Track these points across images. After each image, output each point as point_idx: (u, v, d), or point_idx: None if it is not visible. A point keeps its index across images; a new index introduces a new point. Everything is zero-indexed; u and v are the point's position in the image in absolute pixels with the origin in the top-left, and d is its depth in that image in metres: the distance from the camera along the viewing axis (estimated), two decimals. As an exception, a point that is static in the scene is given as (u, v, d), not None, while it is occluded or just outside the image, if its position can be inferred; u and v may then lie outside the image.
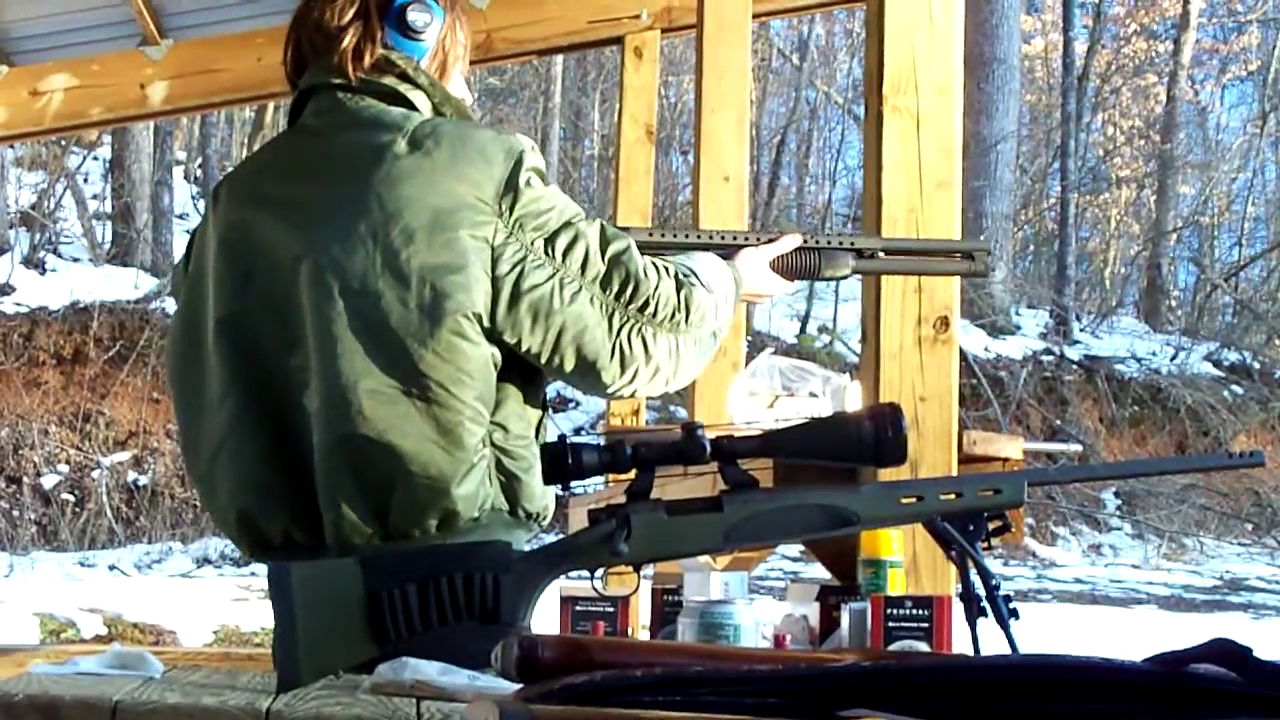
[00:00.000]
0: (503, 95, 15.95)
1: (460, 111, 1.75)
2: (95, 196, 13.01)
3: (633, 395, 1.71)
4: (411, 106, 1.71)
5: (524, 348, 1.62)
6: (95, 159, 13.26)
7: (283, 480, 1.62)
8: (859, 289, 2.40)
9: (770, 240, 1.88)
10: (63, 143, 12.18)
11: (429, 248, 1.57)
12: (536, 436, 1.68)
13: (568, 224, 1.63)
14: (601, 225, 1.66)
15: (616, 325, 1.62)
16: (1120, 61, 18.69)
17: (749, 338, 7.98)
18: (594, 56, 14.38)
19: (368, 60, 1.70)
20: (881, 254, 1.94)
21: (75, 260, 11.90)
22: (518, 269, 1.59)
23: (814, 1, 6.02)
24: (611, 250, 1.64)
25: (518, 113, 15.83)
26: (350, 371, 1.56)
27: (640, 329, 1.63)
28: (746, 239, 1.88)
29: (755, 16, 4.03)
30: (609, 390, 1.67)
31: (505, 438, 1.63)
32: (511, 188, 1.60)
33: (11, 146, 10.91)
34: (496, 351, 1.61)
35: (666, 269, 1.68)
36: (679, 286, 1.67)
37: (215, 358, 1.66)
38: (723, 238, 1.87)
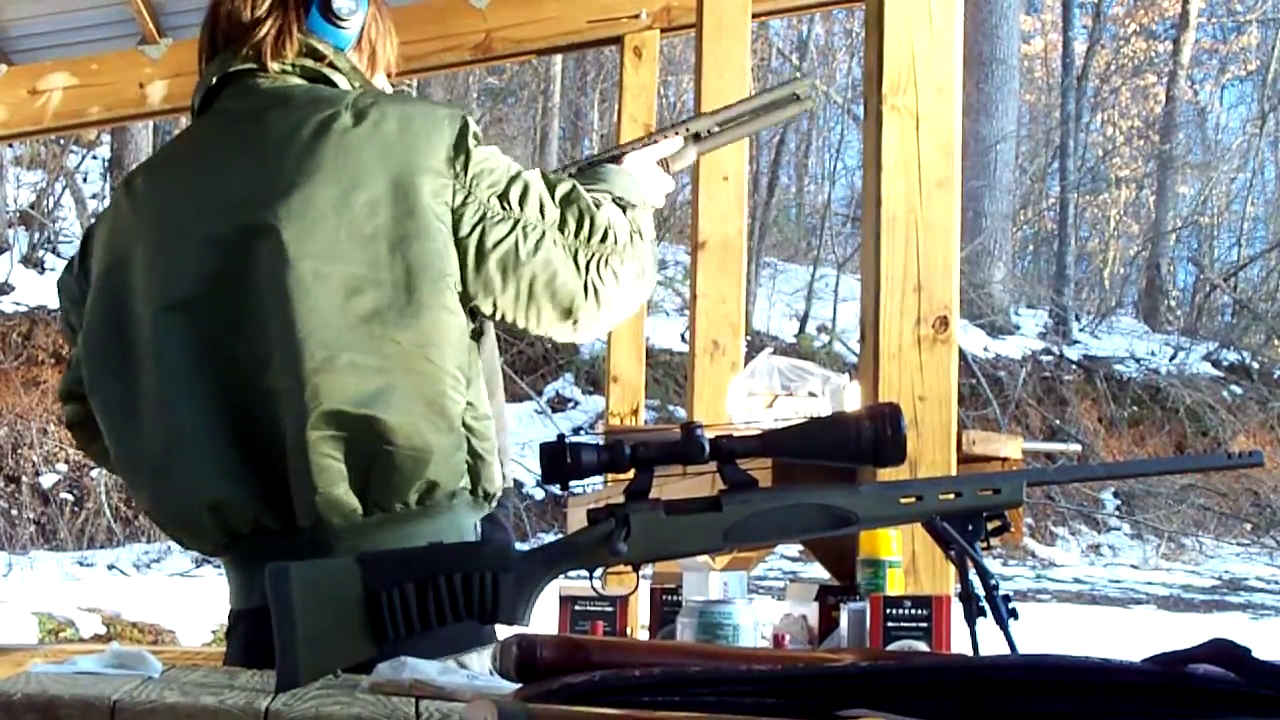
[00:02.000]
0: (502, 95, 15.95)
1: (369, 85, 1.74)
2: (94, 196, 13.00)
3: (606, 329, 1.74)
4: (335, 87, 1.69)
5: (498, 311, 1.61)
6: (94, 158, 13.25)
7: (249, 466, 1.57)
8: (858, 289, 2.40)
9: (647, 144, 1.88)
10: (61, 142, 12.18)
11: (394, 218, 1.55)
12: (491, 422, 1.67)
13: (516, 176, 1.63)
14: (541, 171, 1.67)
15: (584, 262, 1.63)
16: (1120, 61, 18.70)
17: (748, 337, 7.98)
18: (593, 56, 14.38)
19: (289, 50, 1.68)
20: (715, 128, 1.93)
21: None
22: (479, 228, 1.58)
23: (813, 1, 6.02)
24: (560, 191, 1.64)
25: (516, 112, 15.84)
26: (324, 346, 1.53)
27: (606, 260, 1.64)
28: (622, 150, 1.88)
29: (754, 16, 4.03)
30: (587, 331, 1.67)
31: (474, 416, 1.61)
32: (462, 149, 1.60)
33: (10, 145, 10.91)
34: (468, 321, 1.61)
35: (605, 197, 1.69)
36: (623, 209, 1.69)
37: (157, 349, 1.60)
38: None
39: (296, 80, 1.69)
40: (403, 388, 1.54)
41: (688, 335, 4.48)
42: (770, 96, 1.97)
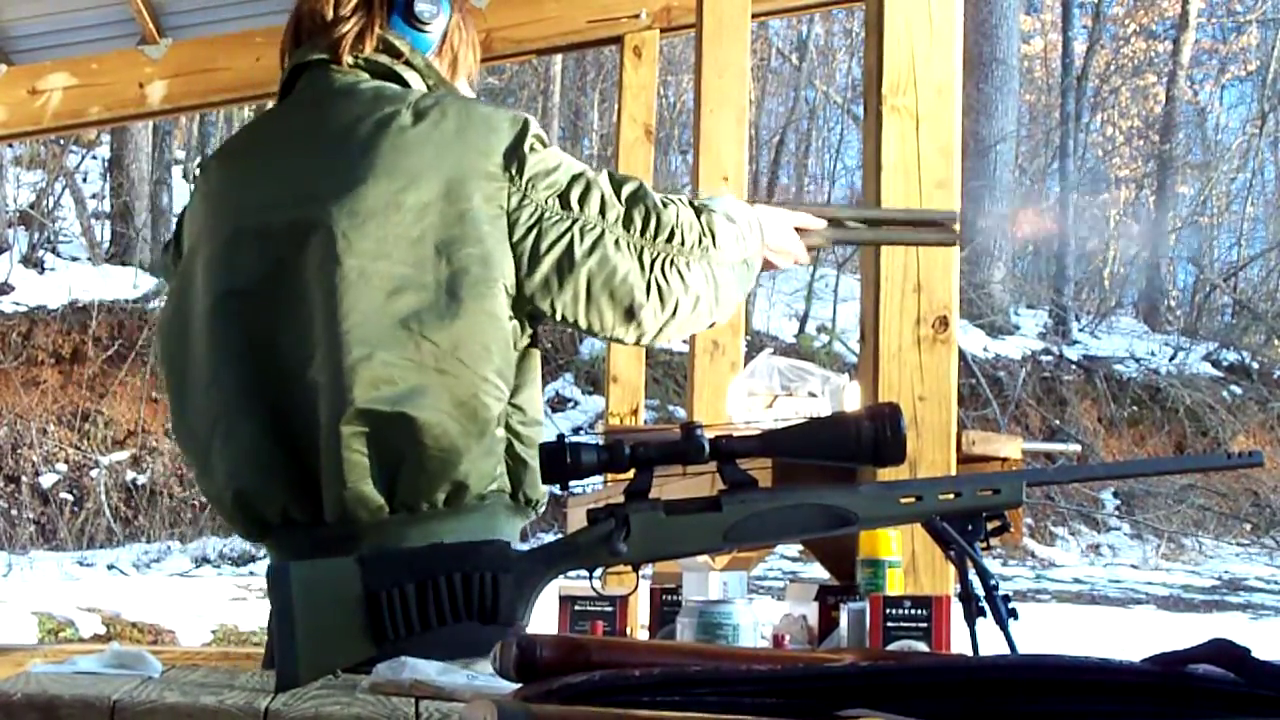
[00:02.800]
0: (502, 95, 15.95)
1: (450, 88, 1.75)
2: (94, 196, 13.00)
3: (675, 334, 1.68)
4: (405, 85, 1.70)
5: (559, 313, 1.61)
6: (94, 158, 13.25)
7: (282, 457, 1.59)
8: (858, 289, 2.40)
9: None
10: (61, 142, 12.18)
11: (443, 220, 1.55)
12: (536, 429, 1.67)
13: (578, 176, 1.62)
14: (609, 171, 1.66)
15: (648, 261, 1.61)
16: (1119, 62, 18.70)
17: (748, 337, 7.99)
18: (593, 56, 14.38)
19: (367, 46, 1.70)
20: (852, 223, 1.93)
21: (74, 259, 11.90)
22: (534, 230, 1.58)
23: (813, 1, 6.03)
24: (626, 190, 1.63)
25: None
26: (362, 343, 1.53)
27: (673, 259, 1.62)
28: None
29: (754, 16, 4.03)
30: (654, 333, 1.65)
31: (522, 421, 1.62)
32: (517, 153, 1.60)
33: (10, 145, 10.91)
34: (518, 327, 1.60)
35: (680, 198, 1.67)
36: (698, 212, 1.67)
37: (208, 336, 1.63)
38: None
39: (366, 76, 1.70)
40: (435, 388, 1.54)
41: (687, 335, 4.48)
42: (917, 215, 1.96)
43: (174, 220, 12.53)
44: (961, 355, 11.74)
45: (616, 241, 1.61)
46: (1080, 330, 14.84)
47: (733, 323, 3.76)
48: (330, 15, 1.72)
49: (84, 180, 13.00)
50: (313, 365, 1.56)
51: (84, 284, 11.09)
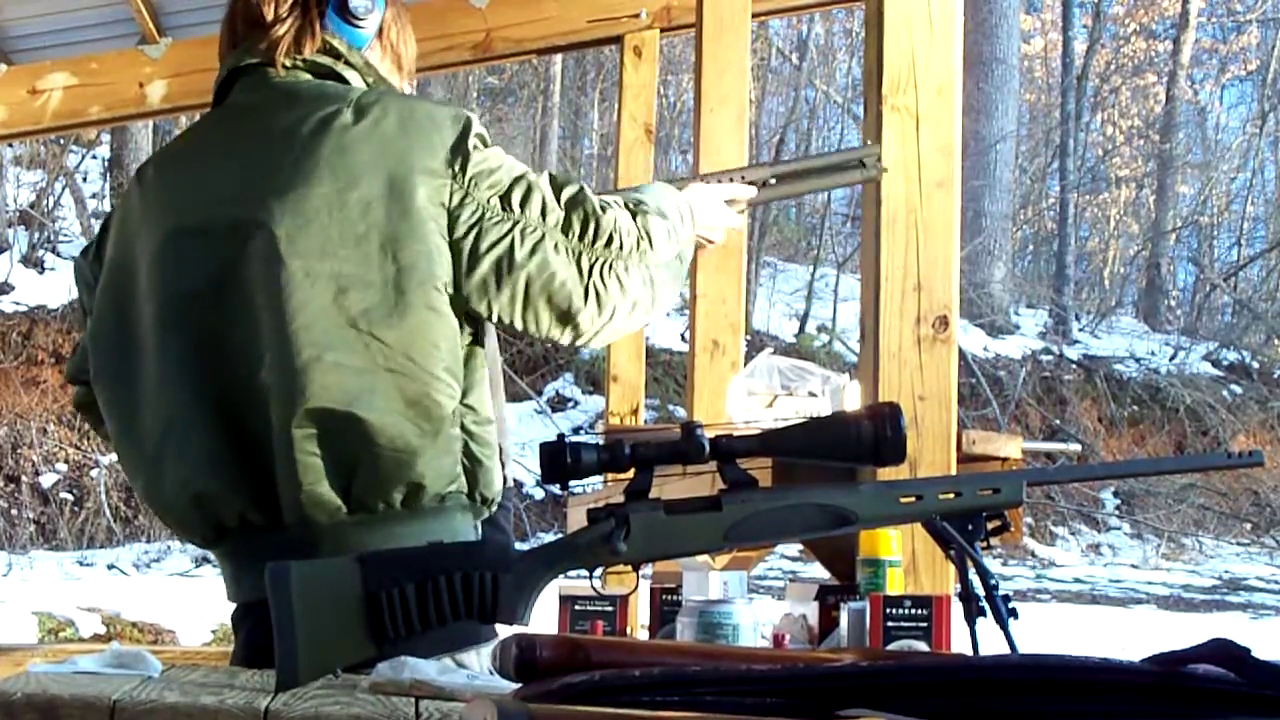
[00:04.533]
0: (501, 95, 15.95)
1: (385, 84, 1.74)
2: (94, 195, 13.00)
3: (612, 336, 1.68)
4: (346, 84, 1.69)
5: (495, 313, 1.60)
6: (94, 158, 13.25)
7: (238, 461, 1.57)
8: (858, 289, 2.40)
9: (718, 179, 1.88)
10: (61, 141, 12.18)
11: (388, 218, 1.55)
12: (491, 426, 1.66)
13: (520, 178, 1.61)
14: (550, 174, 1.65)
15: (586, 266, 1.61)
16: (1119, 61, 18.70)
17: (748, 337, 7.98)
18: (593, 56, 14.38)
19: (307, 47, 1.69)
20: (773, 180, 1.92)
21: (74, 259, 11.89)
22: (475, 229, 1.57)
23: (813, 1, 6.02)
24: (566, 194, 1.62)
25: (516, 112, 15.84)
26: (310, 345, 1.52)
27: (611, 264, 1.62)
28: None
29: (754, 15, 4.03)
30: (589, 336, 1.64)
31: (475, 421, 1.61)
32: (461, 151, 1.59)
33: (10, 145, 10.91)
34: (461, 325, 1.60)
35: (616, 201, 1.66)
36: (634, 214, 1.66)
37: (157, 341, 1.61)
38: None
39: (306, 76, 1.69)
40: (386, 388, 1.54)
41: (688, 335, 4.48)
42: (835, 159, 1.96)
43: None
44: (961, 355, 11.75)
45: (556, 246, 1.60)
46: (1080, 330, 14.84)
47: (733, 322, 3.76)
48: (269, 16, 1.71)
49: (84, 180, 13.00)
50: (263, 367, 1.56)
51: (84, 284, 11.08)
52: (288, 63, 1.68)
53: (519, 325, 1.62)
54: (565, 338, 1.65)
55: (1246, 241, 17.94)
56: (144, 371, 1.62)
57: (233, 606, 1.70)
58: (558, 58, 13.34)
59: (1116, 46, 18.62)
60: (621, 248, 1.63)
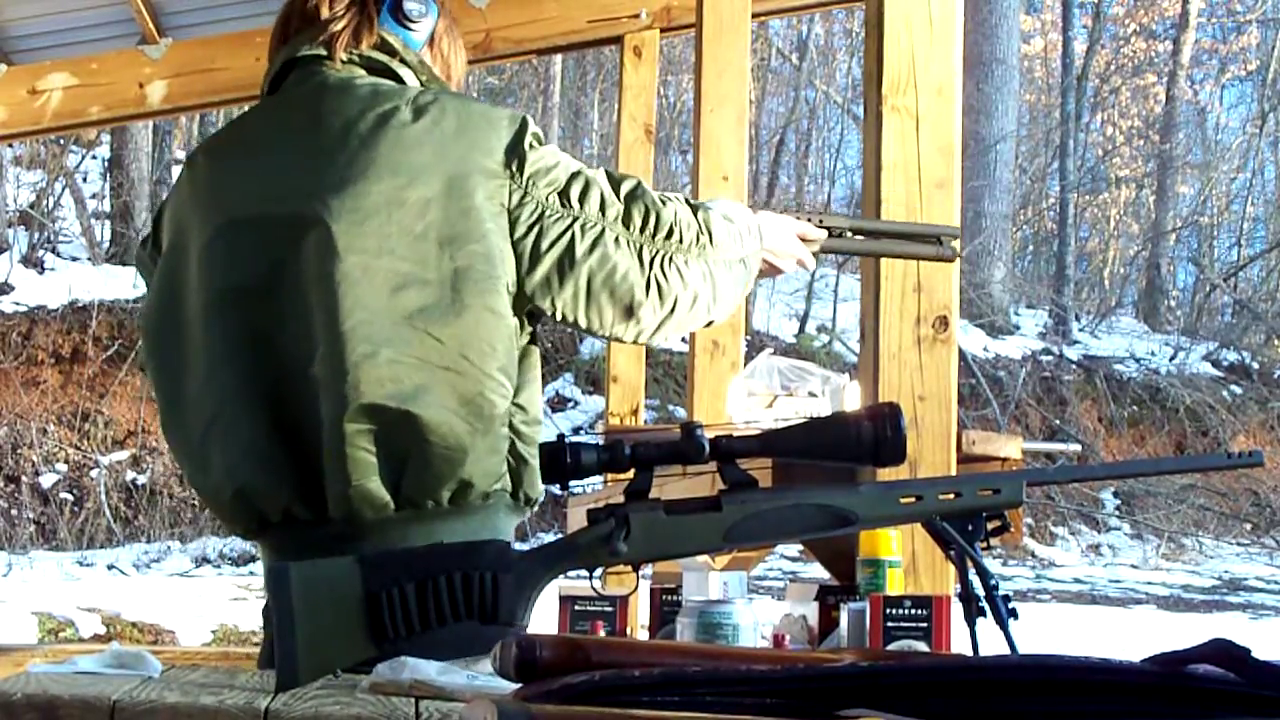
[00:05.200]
0: (501, 95, 15.95)
1: (441, 84, 1.75)
2: (94, 195, 13.00)
3: (673, 331, 1.69)
4: (400, 82, 1.70)
5: (559, 310, 1.61)
6: (94, 158, 13.24)
7: (284, 454, 1.57)
8: (858, 289, 2.40)
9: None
10: (61, 141, 12.17)
11: (446, 217, 1.55)
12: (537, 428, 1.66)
13: (576, 174, 1.62)
14: (606, 170, 1.66)
15: (648, 258, 1.62)
16: (1119, 61, 18.70)
17: (748, 337, 7.99)
18: (593, 56, 14.38)
19: (365, 42, 1.70)
20: (849, 233, 1.93)
21: (74, 259, 11.90)
22: (536, 228, 1.58)
23: (813, 1, 6.02)
24: (625, 187, 1.64)
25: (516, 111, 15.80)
26: (366, 340, 1.52)
27: (671, 256, 1.63)
28: None
29: (754, 16, 4.03)
30: (652, 330, 1.65)
31: (524, 421, 1.62)
32: (517, 151, 1.60)
33: (10, 145, 10.90)
34: (517, 325, 1.60)
35: (677, 196, 1.68)
36: (695, 210, 1.67)
37: (205, 332, 1.61)
38: None
39: (361, 72, 1.70)
40: (441, 385, 1.53)
41: (688, 335, 4.48)
42: (915, 229, 1.96)
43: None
44: (961, 355, 11.74)
45: (616, 239, 1.61)
46: (1080, 330, 14.84)
47: (733, 323, 3.76)
48: (325, 12, 1.71)
49: (84, 180, 12.99)
50: (314, 362, 1.55)
51: (84, 284, 11.09)
52: (344, 56, 1.69)
53: (583, 322, 1.62)
54: (629, 333, 1.65)
55: (1246, 242, 17.94)
56: (192, 361, 1.63)
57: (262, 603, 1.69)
58: (558, 58, 13.34)
59: (1116, 47, 18.61)
60: (681, 240, 1.64)
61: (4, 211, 11.84)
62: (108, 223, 12.42)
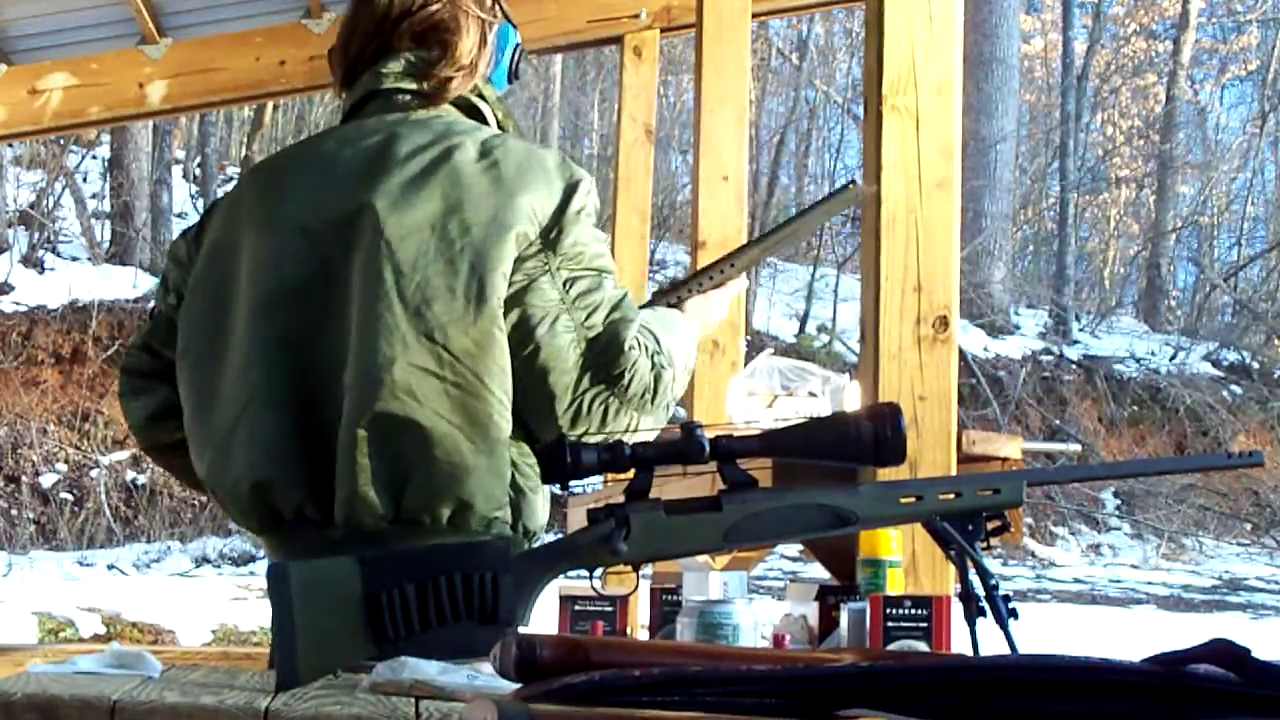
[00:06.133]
0: (502, 95, 15.94)
1: (519, 130, 1.80)
2: (94, 195, 13.00)
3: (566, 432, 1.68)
4: (480, 118, 1.75)
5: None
6: (94, 158, 13.25)
7: (303, 453, 1.60)
8: (858, 289, 2.40)
9: (717, 284, 1.87)
10: (61, 141, 12.18)
11: (483, 240, 1.58)
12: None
13: (597, 271, 1.64)
14: (624, 293, 1.66)
15: (585, 385, 1.62)
16: (1120, 61, 18.70)
17: (748, 337, 7.99)
18: (593, 56, 14.39)
19: (466, 89, 1.75)
20: (767, 243, 1.95)
21: (74, 259, 11.90)
22: (528, 279, 1.60)
23: (813, 1, 6.02)
24: (615, 315, 1.63)
25: (516, 112, 15.81)
26: (388, 349, 1.56)
27: (606, 398, 1.62)
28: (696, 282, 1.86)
29: (754, 16, 4.03)
30: (552, 434, 1.64)
31: (519, 454, 1.63)
32: (563, 214, 1.63)
33: (10, 145, 10.90)
34: None
35: (647, 347, 1.66)
36: (653, 367, 1.66)
37: (249, 331, 1.64)
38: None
39: (448, 108, 1.74)
40: (450, 401, 1.56)
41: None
42: (821, 204, 1.89)
43: (173, 220, 12.39)
44: (961, 355, 11.75)
45: (574, 345, 1.61)
46: (1080, 330, 14.84)
47: (733, 322, 3.76)
48: (455, 54, 1.75)
49: (84, 180, 12.99)
50: (346, 367, 1.59)
51: (84, 284, 11.09)
52: (443, 100, 1.74)
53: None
54: (533, 417, 1.63)
55: (1246, 241, 17.94)
56: (230, 356, 1.66)
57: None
58: (558, 58, 13.35)
59: (1116, 47, 18.62)
60: (626, 391, 1.63)
61: (4, 211, 11.84)
62: (108, 223, 12.42)
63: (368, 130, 1.72)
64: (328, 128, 1.86)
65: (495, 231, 1.58)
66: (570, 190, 1.64)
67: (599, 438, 1.46)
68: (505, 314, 1.59)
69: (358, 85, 1.77)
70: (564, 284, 1.61)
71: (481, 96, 1.77)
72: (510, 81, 1.82)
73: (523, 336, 1.59)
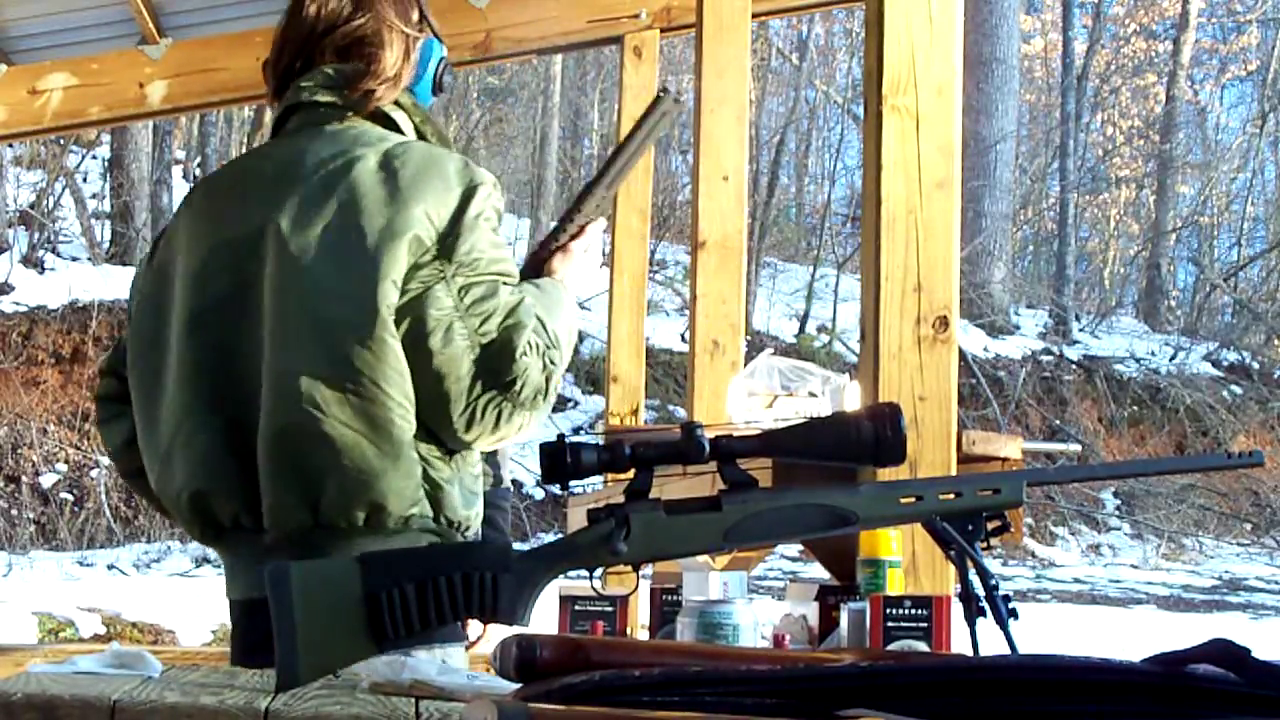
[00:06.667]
0: (502, 95, 15.96)
1: (439, 135, 1.82)
2: (94, 195, 12.99)
3: (458, 445, 1.72)
4: (395, 126, 1.78)
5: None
6: (94, 158, 13.24)
7: (234, 465, 1.67)
8: (858, 289, 2.40)
9: (574, 235, 1.88)
10: (61, 141, 12.17)
11: (375, 249, 1.63)
12: (452, 455, 1.71)
13: (494, 277, 1.67)
14: (520, 299, 1.68)
15: (479, 392, 1.65)
16: (1119, 61, 18.71)
17: (748, 337, 7.99)
18: (593, 56, 14.38)
19: (388, 100, 1.78)
20: (605, 190, 1.93)
21: (74, 259, 11.90)
22: (423, 287, 1.63)
23: (813, 1, 6.02)
24: (510, 322, 1.66)
25: (516, 112, 15.84)
26: (294, 363, 1.63)
27: (499, 402, 1.65)
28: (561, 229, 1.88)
29: (754, 16, 4.03)
30: (448, 438, 1.68)
31: (429, 448, 1.67)
32: (460, 219, 1.66)
33: (10, 145, 10.90)
34: None
35: (539, 347, 1.68)
36: (544, 369, 1.69)
37: (179, 347, 1.71)
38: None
39: (357, 120, 1.77)
40: (353, 410, 1.62)
41: (688, 335, 4.48)
42: (642, 123, 1.89)
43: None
44: (961, 355, 11.75)
45: (467, 351, 1.63)
46: (1080, 330, 14.84)
47: (733, 323, 3.76)
48: (379, 64, 1.77)
49: (84, 180, 12.99)
50: (262, 379, 1.65)
51: (84, 284, 11.09)
52: (342, 100, 1.76)
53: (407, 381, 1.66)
54: (429, 420, 1.66)
55: (1246, 241, 17.94)
56: (167, 374, 1.72)
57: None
58: (558, 58, 13.34)
59: (1116, 47, 18.62)
60: (519, 394, 1.67)
61: (4, 211, 11.84)
62: (108, 223, 12.42)
63: (283, 145, 1.78)
64: (251, 149, 1.92)
65: (387, 239, 1.63)
66: (468, 195, 1.67)
67: (594, 439, 1.46)
68: (401, 321, 1.63)
69: (285, 98, 1.81)
70: (459, 291, 1.65)
71: (399, 105, 1.80)
72: (436, 94, 1.85)
73: (418, 343, 1.63)
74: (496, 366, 1.64)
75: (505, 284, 1.68)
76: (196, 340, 1.70)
